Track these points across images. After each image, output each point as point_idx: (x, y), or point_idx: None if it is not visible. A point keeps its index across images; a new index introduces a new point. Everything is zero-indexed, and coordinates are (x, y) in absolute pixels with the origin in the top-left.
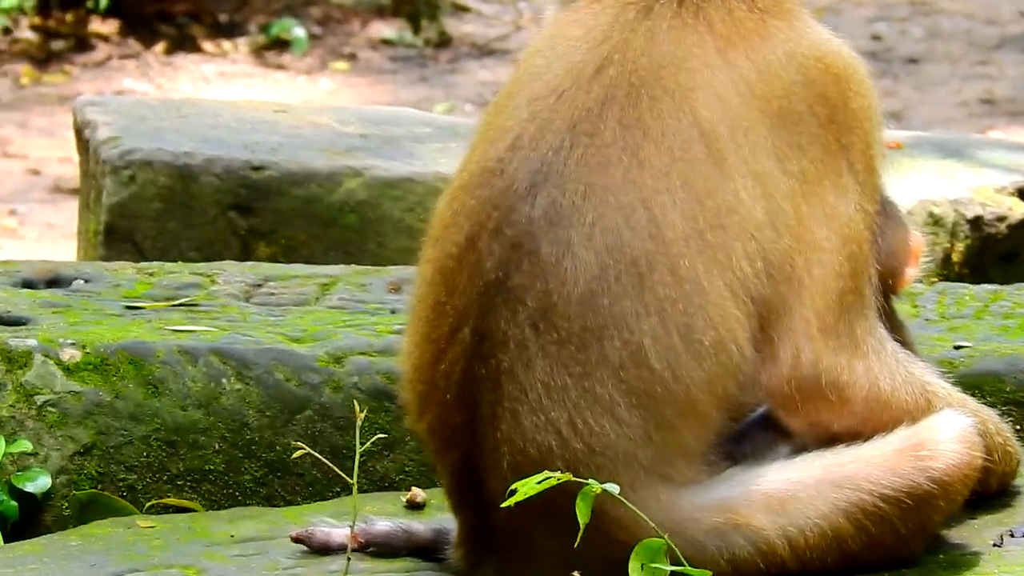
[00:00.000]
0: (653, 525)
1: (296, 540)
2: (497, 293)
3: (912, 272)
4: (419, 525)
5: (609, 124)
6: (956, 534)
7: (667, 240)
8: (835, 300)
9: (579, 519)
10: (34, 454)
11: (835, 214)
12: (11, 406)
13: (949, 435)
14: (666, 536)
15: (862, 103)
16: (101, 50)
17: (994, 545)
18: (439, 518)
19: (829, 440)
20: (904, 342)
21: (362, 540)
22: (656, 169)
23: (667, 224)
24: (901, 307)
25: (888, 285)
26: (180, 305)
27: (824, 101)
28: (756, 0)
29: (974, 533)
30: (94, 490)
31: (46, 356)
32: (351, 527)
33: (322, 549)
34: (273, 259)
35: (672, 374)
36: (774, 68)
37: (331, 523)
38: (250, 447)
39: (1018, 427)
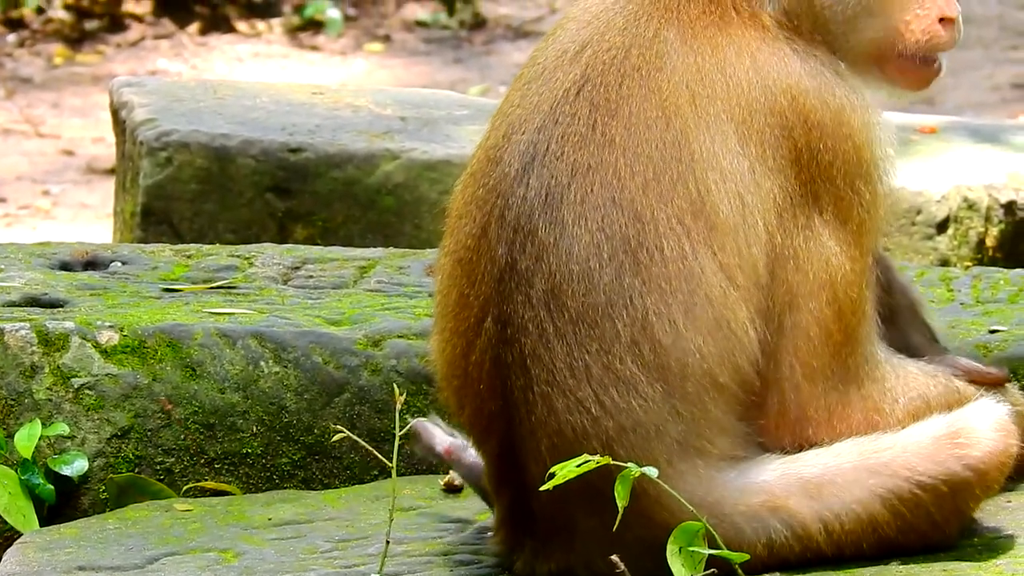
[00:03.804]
0: (691, 508)
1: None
2: (511, 278)
3: None
4: None
5: (583, 104)
6: (990, 518)
7: (648, 220)
8: (819, 345)
9: (617, 502)
10: (71, 437)
11: (808, 258)
12: (48, 389)
13: (986, 424)
14: (704, 519)
15: (838, 159)
16: (135, 30)
17: None
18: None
19: None
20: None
21: (454, 458)
22: (627, 149)
23: (646, 205)
24: (937, 292)
25: None
26: (218, 287)
27: (789, 140)
28: (732, 2)
29: (1010, 516)
30: (131, 473)
31: (83, 338)
32: (447, 447)
33: (427, 450)
34: (310, 241)
35: (682, 349)
36: (738, 77)
37: (442, 426)
38: (288, 430)
39: None
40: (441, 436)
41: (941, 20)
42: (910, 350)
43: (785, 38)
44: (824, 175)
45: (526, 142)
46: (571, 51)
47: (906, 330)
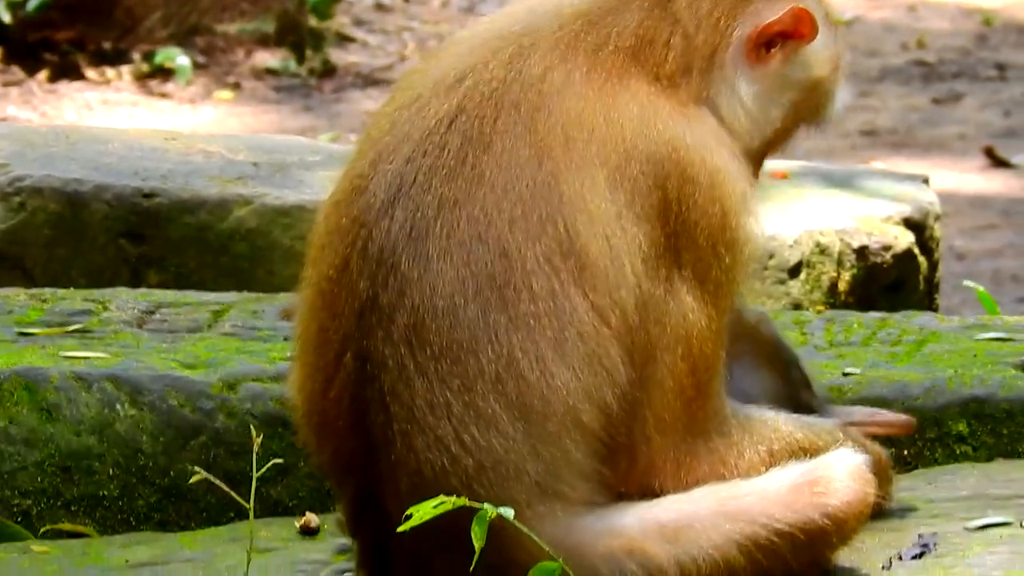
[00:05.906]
0: (546, 547)
1: None
2: (372, 312)
3: None
4: None
5: (455, 136)
6: (846, 558)
7: (515, 258)
8: (672, 398)
9: (474, 542)
10: None
11: (667, 311)
12: None
13: (844, 472)
14: (560, 559)
15: (703, 220)
16: None
17: (883, 568)
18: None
19: None
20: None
21: None
22: (496, 185)
23: (513, 243)
24: (790, 335)
25: None
26: (73, 331)
27: (661, 190)
28: (639, 54)
29: (863, 557)
30: None
31: None
32: None
33: None
34: (164, 286)
35: (547, 384)
36: (622, 123)
37: None
38: (144, 473)
39: (905, 451)
40: None
41: None
42: (798, 405)
43: (681, 101)
44: (688, 233)
45: (393, 172)
46: (450, 79)
47: (797, 386)
